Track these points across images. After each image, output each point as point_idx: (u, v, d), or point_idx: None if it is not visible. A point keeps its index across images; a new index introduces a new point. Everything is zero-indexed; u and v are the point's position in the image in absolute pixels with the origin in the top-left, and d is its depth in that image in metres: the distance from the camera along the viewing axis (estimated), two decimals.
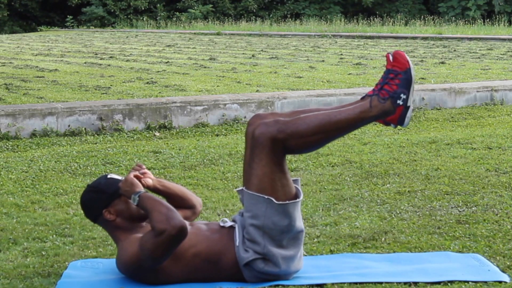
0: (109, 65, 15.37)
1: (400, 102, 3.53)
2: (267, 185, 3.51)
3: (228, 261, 3.57)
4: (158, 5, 39.86)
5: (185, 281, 3.58)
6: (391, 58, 3.57)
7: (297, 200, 3.57)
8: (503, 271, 3.68)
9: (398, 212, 4.79)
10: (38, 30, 37.29)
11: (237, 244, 3.56)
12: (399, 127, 3.66)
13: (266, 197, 3.50)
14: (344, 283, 3.55)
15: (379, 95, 3.54)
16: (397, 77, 3.54)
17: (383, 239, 4.24)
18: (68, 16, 39.32)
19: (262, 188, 3.51)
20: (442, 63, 15.19)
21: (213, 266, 3.55)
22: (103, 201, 3.65)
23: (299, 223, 3.60)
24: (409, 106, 3.54)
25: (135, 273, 3.55)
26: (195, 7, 39.02)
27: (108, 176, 3.72)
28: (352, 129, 3.60)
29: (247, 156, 3.58)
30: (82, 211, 3.75)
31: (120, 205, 3.65)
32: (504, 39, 22.45)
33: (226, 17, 37.75)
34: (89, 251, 4.12)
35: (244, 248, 3.55)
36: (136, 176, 3.72)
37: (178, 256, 3.53)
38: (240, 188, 3.63)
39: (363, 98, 3.60)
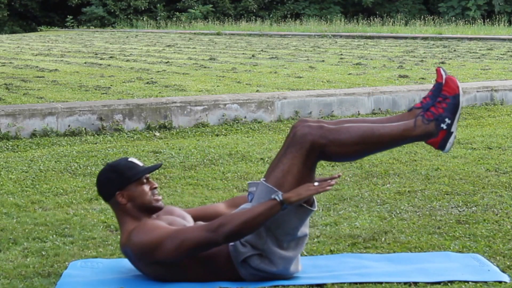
0: (109, 65, 15.36)
1: (444, 126, 3.56)
2: (287, 182, 3.49)
3: (222, 260, 3.55)
4: (158, 5, 39.85)
5: (183, 280, 3.58)
6: (442, 73, 3.60)
7: (313, 209, 3.55)
8: (503, 271, 3.68)
9: (398, 212, 4.78)
10: (38, 30, 37.26)
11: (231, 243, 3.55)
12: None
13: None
14: (344, 283, 3.55)
15: (424, 116, 3.57)
16: (445, 101, 3.57)
17: (383, 239, 4.24)
18: (68, 16, 39.30)
19: (281, 184, 3.49)
20: (442, 63, 15.19)
21: (207, 266, 3.55)
22: (118, 182, 3.60)
23: (305, 229, 3.60)
24: (452, 132, 3.56)
25: (143, 259, 3.50)
26: (195, 7, 39.01)
27: (129, 159, 3.67)
28: (394, 146, 3.62)
29: (279, 153, 3.57)
30: (97, 189, 3.72)
31: (134, 191, 3.60)
32: (504, 39, 22.45)
33: (226, 17, 37.73)
34: (89, 251, 4.11)
35: (241, 243, 3.54)
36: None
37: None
38: (255, 181, 3.61)
39: (410, 110, 3.64)
